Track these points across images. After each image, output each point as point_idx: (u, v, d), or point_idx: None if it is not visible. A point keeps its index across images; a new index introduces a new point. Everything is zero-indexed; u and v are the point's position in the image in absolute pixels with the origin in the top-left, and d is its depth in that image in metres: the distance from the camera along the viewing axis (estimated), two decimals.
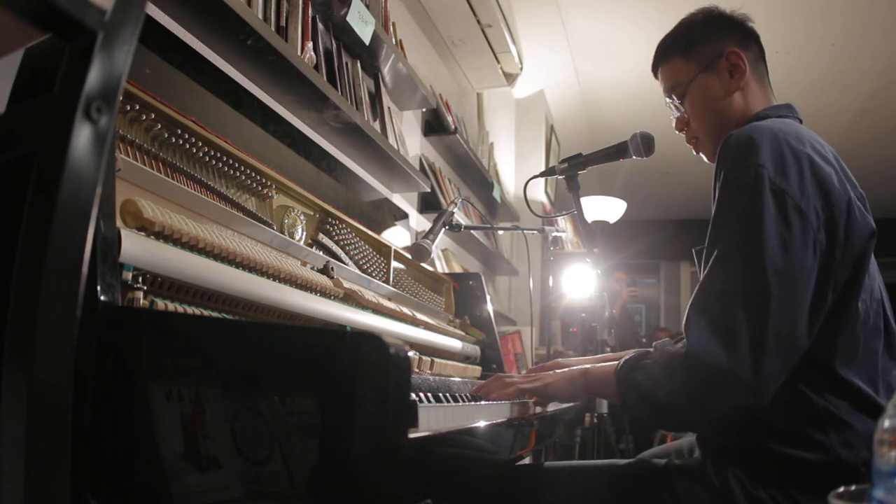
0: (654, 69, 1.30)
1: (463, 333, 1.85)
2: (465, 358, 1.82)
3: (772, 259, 0.92)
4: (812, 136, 1.06)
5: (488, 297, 2.04)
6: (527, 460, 1.55)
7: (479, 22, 3.42)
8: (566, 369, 1.18)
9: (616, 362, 1.08)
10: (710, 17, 1.24)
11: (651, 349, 1.06)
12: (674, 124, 1.29)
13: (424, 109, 3.05)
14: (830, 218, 0.97)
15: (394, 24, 2.55)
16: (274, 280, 1.03)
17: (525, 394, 1.18)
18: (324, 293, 1.18)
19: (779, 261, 0.92)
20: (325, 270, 1.23)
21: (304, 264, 1.18)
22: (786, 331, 0.91)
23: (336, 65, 2.04)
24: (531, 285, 2.35)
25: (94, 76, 0.43)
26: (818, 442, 0.95)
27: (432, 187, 2.88)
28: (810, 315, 0.94)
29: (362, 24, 2.08)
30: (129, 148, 0.89)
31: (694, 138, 1.26)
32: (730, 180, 1.00)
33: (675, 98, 1.25)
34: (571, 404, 1.44)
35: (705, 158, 1.27)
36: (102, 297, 0.67)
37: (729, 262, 0.95)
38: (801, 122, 1.17)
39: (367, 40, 2.12)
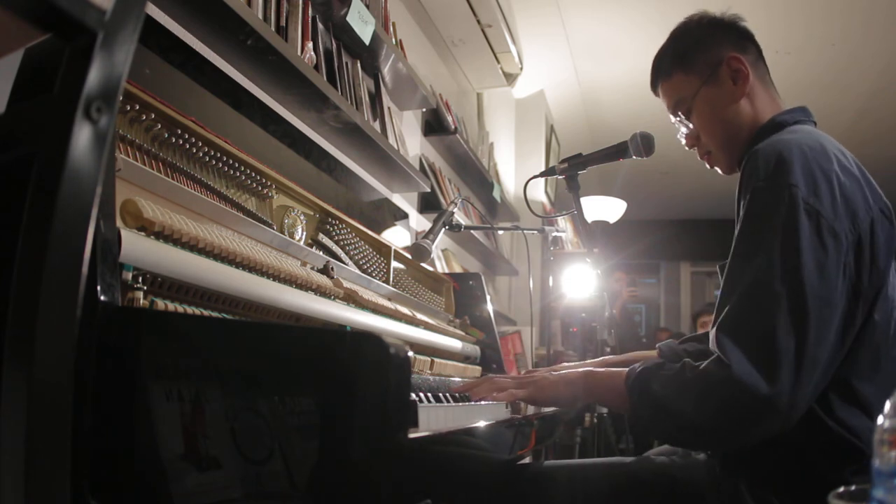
0: (654, 86, 1.27)
1: (463, 333, 1.85)
2: (465, 358, 1.81)
3: (810, 284, 0.90)
4: (835, 145, 1.04)
5: (488, 297, 2.04)
6: (527, 460, 1.55)
7: (479, 22, 3.42)
8: (565, 371, 1.13)
9: (623, 369, 1.04)
10: (702, 24, 1.20)
11: (658, 358, 1.04)
12: (683, 141, 1.25)
13: (424, 109, 3.05)
14: (858, 240, 0.94)
15: (394, 24, 2.55)
16: (274, 280, 1.03)
17: (518, 400, 1.13)
18: (324, 293, 1.18)
19: (816, 285, 0.90)
20: (325, 270, 1.23)
21: (304, 264, 1.18)
22: (820, 357, 0.89)
23: (336, 65, 2.04)
24: (531, 285, 2.35)
25: (94, 76, 0.43)
26: (829, 467, 0.94)
27: (432, 187, 2.88)
28: (842, 338, 0.93)
29: (362, 24, 2.08)
30: (129, 148, 0.89)
31: (707, 153, 1.22)
32: (761, 199, 0.96)
33: (680, 114, 1.21)
34: None
35: (720, 171, 1.23)
36: (102, 297, 0.67)
37: (767, 286, 0.91)
38: (815, 124, 1.14)
39: (367, 40, 2.12)
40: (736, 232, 1.00)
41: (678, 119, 1.22)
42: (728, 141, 1.17)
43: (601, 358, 1.52)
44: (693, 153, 1.27)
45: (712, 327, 0.96)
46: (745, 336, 0.90)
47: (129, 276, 0.75)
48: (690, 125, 1.21)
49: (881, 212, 0.99)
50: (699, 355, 1.28)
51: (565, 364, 1.52)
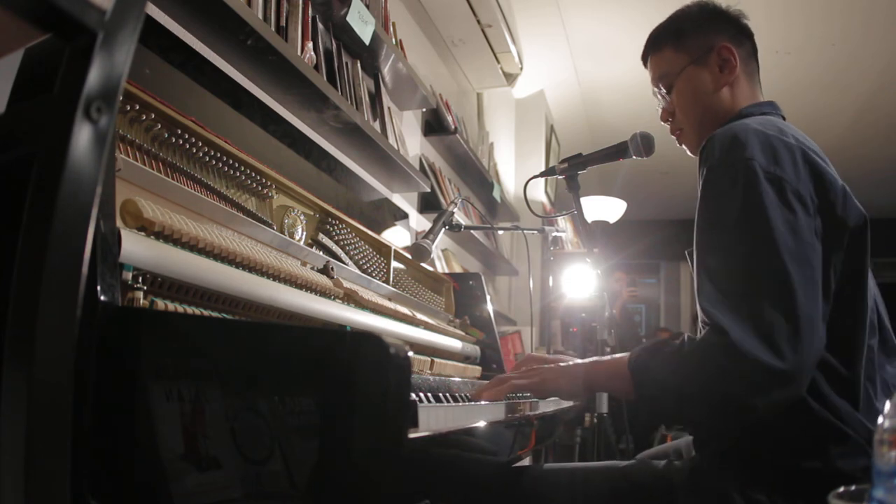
0: (644, 58, 1.30)
1: (463, 333, 1.85)
2: (465, 358, 1.81)
3: (784, 243, 0.89)
4: (795, 130, 1.05)
5: (488, 297, 2.04)
6: (527, 460, 1.55)
7: (479, 22, 3.42)
8: (567, 363, 1.12)
9: (624, 354, 1.03)
10: (705, 10, 1.23)
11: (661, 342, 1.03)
12: (659, 114, 1.28)
13: (424, 109, 3.05)
14: (824, 203, 0.95)
15: (394, 24, 2.55)
16: (274, 280, 1.03)
17: (521, 390, 1.11)
18: (324, 293, 1.18)
19: (791, 243, 0.89)
20: (325, 270, 1.23)
21: (304, 264, 1.18)
22: (815, 315, 0.88)
23: (336, 65, 2.04)
24: (531, 285, 2.36)
25: (94, 76, 0.43)
26: (815, 452, 0.94)
27: (432, 187, 2.88)
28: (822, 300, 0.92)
29: (362, 24, 2.08)
30: (129, 148, 0.89)
31: (678, 129, 1.25)
32: (719, 176, 0.97)
33: (662, 88, 1.24)
34: (571, 403, 1.43)
35: (688, 151, 1.26)
36: (102, 297, 0.67)
37: (741, 255, 0.91)
38: (783, 119, 1.16)
39: (367, 40, 2.12)
40: (697, 212, 1.00)
41: (658, 92, 1.25)
42: (701, 123, 1.20)
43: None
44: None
45: (699, 302, 0.94)
46: (735, 305, 0.88)
47: (129, 276, 0.75)
48: (669, 100, 1.24)
49: (845, 189, 1.00)
50: None
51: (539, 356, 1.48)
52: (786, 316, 0.86)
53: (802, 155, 0.97)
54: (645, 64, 1.30)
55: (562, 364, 1.12)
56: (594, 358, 1.11)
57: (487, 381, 1.21)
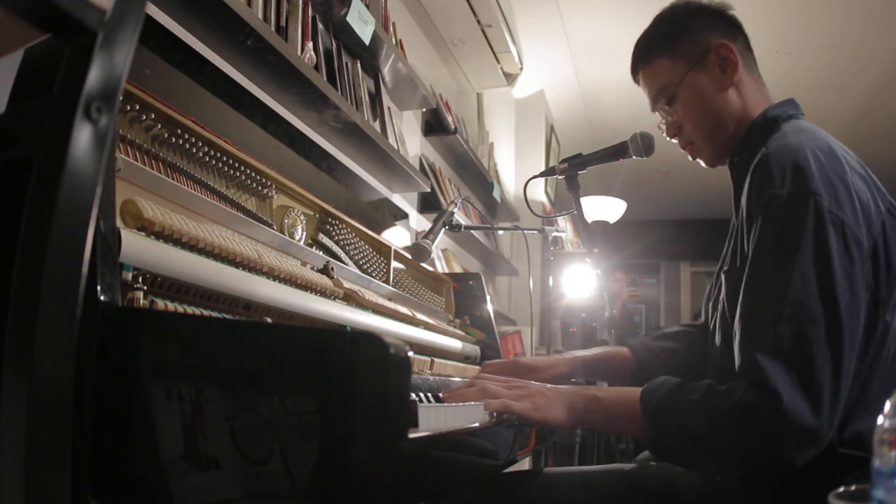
0: (634, 72, 1.21)
1: (463, 333, 1.85)
2: (465, 358, 1.81)
3: (844, 300, 0.86)
4: (839, 145, 1.00)
5: (488, 297, 2.04)
6: (526, 461, 1.54)
7: (479, 22, 3.42)
8: (567, 389, 1.02)
9: (634, 389, 0.97)
10: (689, 9, 1.16)
11: (630, 355, 0.98)
12: (663, 131, 1.20)
13: (424, 109, 3.05)
14: (874, 245, 0.92)
15: (394, 24, 2.55)
16: (274, 280, 1.03)
17: (510, 412, 0.97)
18: (324, 293, 1.18)
19: (849, 300, 0.87)
20: (325, 270, 1.23)
21: (304, 264, 1.18)
22: (850, 373, 0.86)
23: (336, 65, 2.04)
24: (531, 285, 2.36)
25: (94, 76, 0.43)
26: (827, 472, 0.91)
27: (432, 187, 2.88)
28: (865, 348, 0.90)
29: (362, 24, 2.08)
30: (129, 148, 0.89)
31: (689, 143, 1.17)
32: (785, 209, 0.91)
33: (662, 102, 1.16)
34: None
35: (703, 164, 1.20)
36: (102, 297, 0.67)
37: (805, 306, 0.86)
38: (803, 116, 1.12)
39: (367, 40, 2.12)
40: (755, 240, 0.94)
41: (658, 106, 1.18)
42: (713, 131, 1.13)
43: (570, 353, 1.39)
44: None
45: (743, 345, 0.90)
46: (791, 362, 0.85)
47: (129, 276, 0.75)
48: (674, 114, 1.16)
49: (888, 212, 0.96)
50: (680, 358, 1.23)
51: (519, 360, 1.34)
52: (833, 375, 0.84)
53: (856, 192, 0.92)
54: (635, 78, 1.22)
55: (560, 390, 1.02)
56: (596, 392, 1.02)
57: (464, 384, 1.07)
